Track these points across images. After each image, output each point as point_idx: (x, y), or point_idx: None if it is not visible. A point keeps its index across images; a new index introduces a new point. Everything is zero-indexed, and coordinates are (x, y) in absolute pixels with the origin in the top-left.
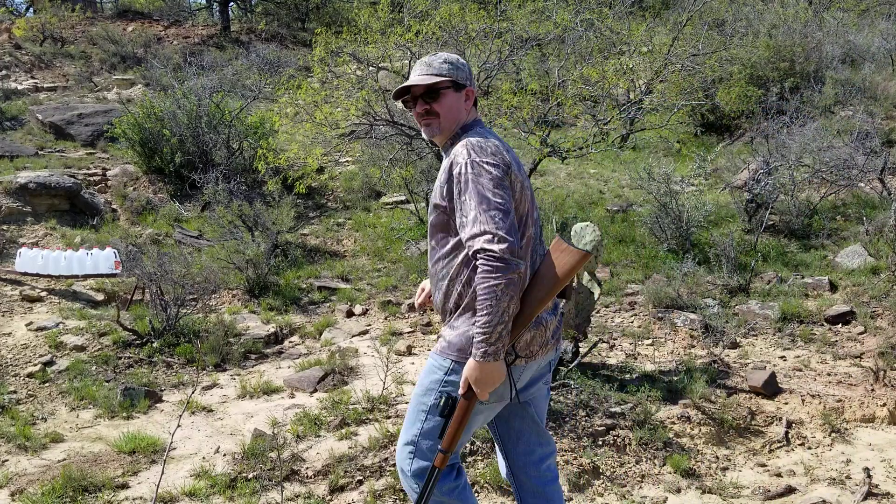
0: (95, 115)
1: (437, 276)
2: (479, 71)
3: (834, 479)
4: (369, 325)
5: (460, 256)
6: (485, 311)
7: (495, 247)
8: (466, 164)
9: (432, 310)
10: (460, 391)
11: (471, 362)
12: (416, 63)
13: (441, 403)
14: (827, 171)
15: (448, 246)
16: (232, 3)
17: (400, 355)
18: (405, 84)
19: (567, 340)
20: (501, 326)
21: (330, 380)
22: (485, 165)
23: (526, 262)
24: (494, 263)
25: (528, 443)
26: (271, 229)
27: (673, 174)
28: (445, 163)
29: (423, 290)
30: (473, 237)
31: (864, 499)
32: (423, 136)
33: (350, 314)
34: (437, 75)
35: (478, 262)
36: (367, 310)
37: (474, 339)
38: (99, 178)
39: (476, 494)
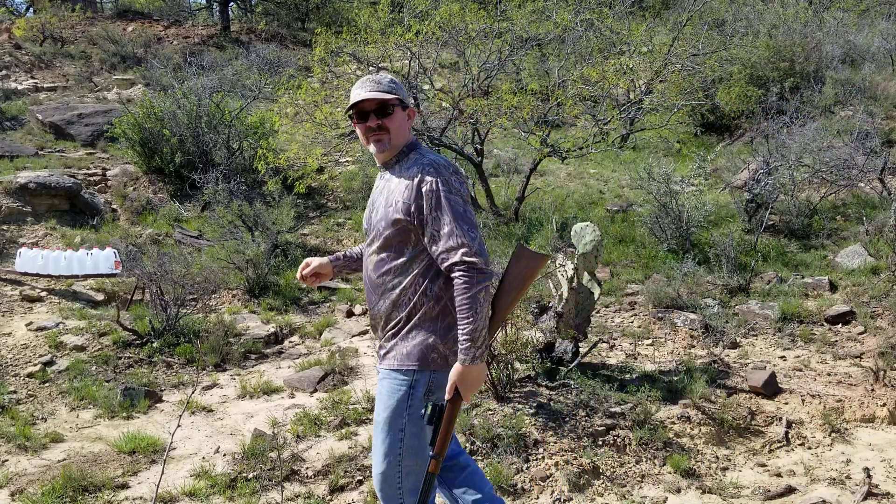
0: (95, 115)
1: (385, 286)
2: (480, 71)
3: (834, 479)
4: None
5: (418, 268)
6: (469, 319)
7: (474, 259)
8: (438, 182)
9: (318, 289)
10: (447, 396)
11: (458, 367)
12: (362, 81)
13: (428, 413)
14: (827, 171)
15: (403, 258)
16: (232, 3)
17: None
18: (358, 99)
19: (567, 340)
20: (484, 331)
21: (330, 380)
22: (454, 183)
23: None
24: (475, 273)
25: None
26: (271, 229)
27: (673, 174)
28: (401, 180)
29: (308, 264)
30: (450, 250)
31: (864, 499)
32: (371, 150)
33: (350, 314)
34: (387, 93)
35: (456, 273)
36: (366, 310)
37: (461, 346)
38: (99, 178)
39: None
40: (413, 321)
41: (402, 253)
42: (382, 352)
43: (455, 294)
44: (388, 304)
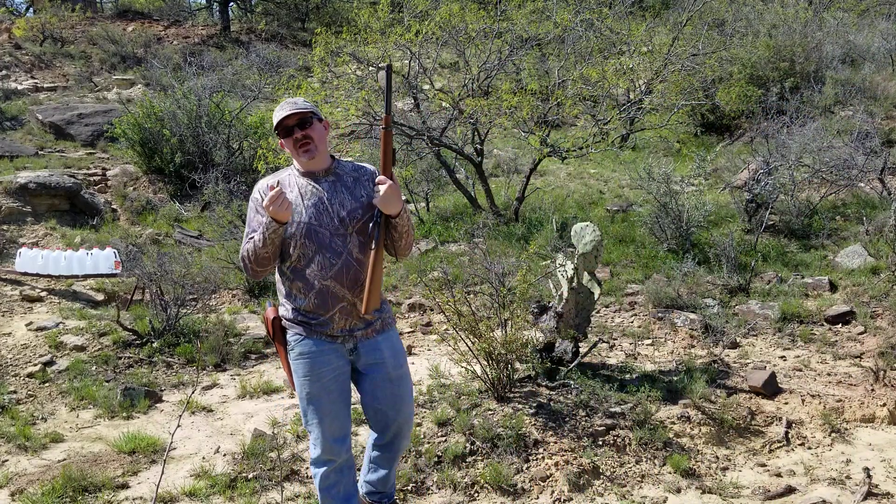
0: (95, 115)
1: (366, 263)
2: (479, 71)
3: (834, 479)
4: None
5: (377, 244)
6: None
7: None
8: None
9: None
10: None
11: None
12: (281, 105)
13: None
14: (827, 171)
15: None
16: (232, 3)
17: None
18: (280, 117)
19: (567, 340)
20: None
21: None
22: None
23: None
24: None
25: None
26: None
27: (673, 174)
28: (354, 178)
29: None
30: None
31: (864, 499)
32: (303, 160)
33: None
34: (305, 109)
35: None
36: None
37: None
38: (99, 178)
39: (476, 495)
40: (380, 287)
41: (369, 233)
42: (375, 322)
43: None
44: (372, 277)
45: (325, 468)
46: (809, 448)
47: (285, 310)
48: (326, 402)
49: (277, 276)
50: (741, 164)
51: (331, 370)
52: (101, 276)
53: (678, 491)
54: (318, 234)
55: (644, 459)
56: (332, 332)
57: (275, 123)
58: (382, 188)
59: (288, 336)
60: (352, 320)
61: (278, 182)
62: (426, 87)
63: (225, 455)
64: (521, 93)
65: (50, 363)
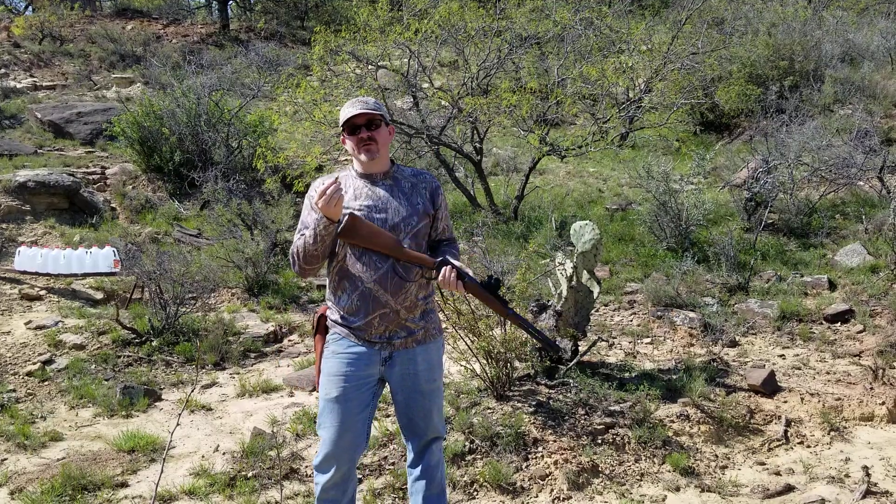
0: (94, 113)
1: (415, 273)
2: (479, 69)
3: (833, 478)
4: None
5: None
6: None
7: None
8: (441, 188)
9: (318, 288)
10: (461, 288)
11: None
12: (352, 101)
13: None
14: (826, 169)
15: (424, 246)
16: (231, 2)
17: None
18: (350, 115)
19: (566, 339)
20: None
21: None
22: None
23: None
24: None
25: None
26: (270, 228)
27: (672, 173)
28: (412, 184)
29: (335, 187)
30: (453, 233)
31: (863, 497)
32: (363, 158)
33: None
34: (375, 111)
35: (455, 242)
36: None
37: (454, 255)
38: (98, 176)
39: (475, 493)
40: (429, 297)
41: (422, 244)
42: (418, 331)
43: (452, 245)
44: (417, 287)
45: (326, 476)
46: (808, 446)
47: (330, 310)
48: (343, 410)
49: (326, 273)
50: (740, 163)
51: (356, 377)
52: (101, 274)
53: (677, 489)
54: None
55: (643, 458)
56: (370, 337)
57: (342, 119)
58: (446, 278)
59: (328, 334)
60: (392, 327)
61: (336, 178)
62: (425, 85)
63: (224, 454)
64: (521, 91)
65: (49, 362)
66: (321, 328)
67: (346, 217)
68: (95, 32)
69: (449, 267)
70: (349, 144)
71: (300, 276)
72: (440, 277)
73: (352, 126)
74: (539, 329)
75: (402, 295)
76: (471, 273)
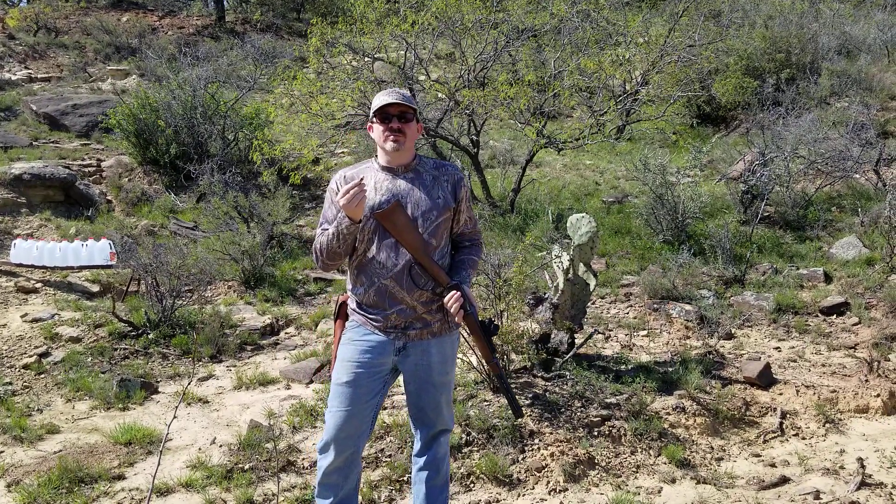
0: (90, 105)
1: (441, 265)
2: (476, 62)
3: (828, 470)
4: None
5: (448, 248)
6: (476, 266)
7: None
8: (464, 179)
9: (314, 281)
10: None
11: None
12: (388, 91)
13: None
14: (822, 162)
15: (445, 238)
16: None
17: None
18: (386, 102)
19: (563, 331)
20: None
21: (325, 371)
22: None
23: None
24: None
25: None
26: (267, 220)
27: (669, 165)
28: (435, 177)
29: (358, 188)
30: (476, 225)
31: (858, 489)
32: (388, 147)
33: None
34: (409, 104)
35: (478, 241)
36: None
37: (469, 276)
38: (94, 169)
39: (472, 485)
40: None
41: (445, 235)
42: (434, 323)
43: (474, 250)
44: (433, 284)
45: (328, 460)
46: (804, 438)
47: (350, 299)
48: (352, 395)
49: (347, 265)
50: (737, 156)
51: (369, 365)
52: (97, 267)
53: (673, 481)
54: (385, 231)
55: (639, 450)
56: (386, 327)
57: (375, 106)
58: (450, 304)
59: (348, 321)
60: (410, 320)
61: (361, 178)
62: (422, 77)
63: (221, 446)
64: (518, 84)
65: (45, 354)
66: (342, 314)
67: (392, 202)
68: (91, 24)
69: (458, 294)
70: (377, 132)
71: (323, 270)
72: (446, 299)
73: (384, 114)
74: (510, 389)
75: (418, 292)
76: (477, 307)
